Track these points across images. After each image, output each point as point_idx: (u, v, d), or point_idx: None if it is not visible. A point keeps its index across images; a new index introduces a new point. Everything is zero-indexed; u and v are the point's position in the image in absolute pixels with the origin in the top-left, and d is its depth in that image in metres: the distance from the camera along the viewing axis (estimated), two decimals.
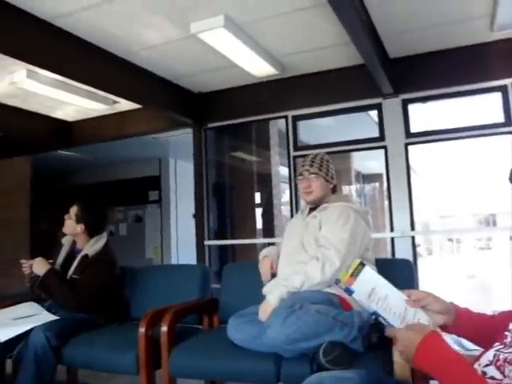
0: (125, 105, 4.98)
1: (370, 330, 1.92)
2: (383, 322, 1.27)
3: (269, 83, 4.55)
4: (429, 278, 7.25)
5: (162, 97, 4.45)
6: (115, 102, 4.89)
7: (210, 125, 4.98)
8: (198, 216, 4.81)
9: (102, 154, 7.54)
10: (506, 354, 0.98)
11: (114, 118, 5.38)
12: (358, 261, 1.35)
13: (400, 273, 2.37)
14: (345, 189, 9.23)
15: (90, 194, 7.20)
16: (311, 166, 2.38)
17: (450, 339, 1.14)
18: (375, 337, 1.93)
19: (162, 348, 2.27)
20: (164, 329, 2.27)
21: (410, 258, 3.75)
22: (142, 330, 2.28)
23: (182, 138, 5.91)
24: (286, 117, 4.57)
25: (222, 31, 3.26)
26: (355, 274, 1.32)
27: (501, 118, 3.91)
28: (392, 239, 4.11)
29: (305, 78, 4.45)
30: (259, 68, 4.12)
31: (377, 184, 11.85)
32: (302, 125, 4.68)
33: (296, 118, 4.54)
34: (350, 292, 1.32)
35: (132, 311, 2.91)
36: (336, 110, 4.45)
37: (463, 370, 0.98)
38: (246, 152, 6.43)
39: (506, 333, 1.05)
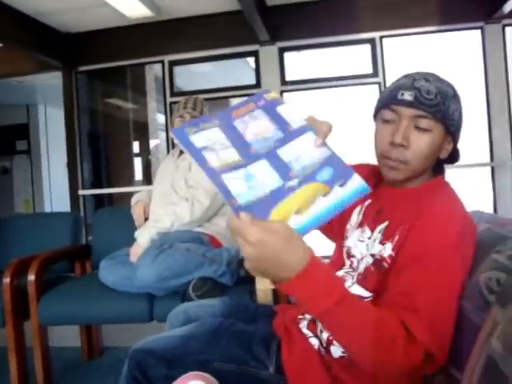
0: None
1: (238, 265, 2.03)
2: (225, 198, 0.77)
3: (144, 26, 4.35)
4: None
5: (22, 35, 4.03)
6: None
7: (82, 68, 4.67)
8: (71, 165, 4.57)
9: None
10: (350, 275, 1.09)
11: None
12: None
13: None
14: None
15: None
16: (194, 109, 2.35)
17: None
18: (243, 271, 2.04)
19: (30, 297, 2.18)
20: (31, 277, 2.18)
21: None
22: (6, 280, 2.16)
23: (52, 83, 5.47)
24: (162, 61, 4.44)
25: None
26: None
27: (369, 69, 4.18)
28: None
29: (182, 21, 4.32)
30: (133, 8, 3.91)
31: None
32: (180, 70, 4.59)
33: (173, 63, 4.43)
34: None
35: None
36: (213, 56, 4.42)
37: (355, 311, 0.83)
38: (122, 98, 6.16)
39: (352, 259, 1.13)
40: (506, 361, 0.67)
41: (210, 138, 0.83)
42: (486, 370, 0.73)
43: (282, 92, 4.23)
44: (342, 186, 0.80)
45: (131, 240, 2.24)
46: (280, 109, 0.90)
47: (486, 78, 3.87)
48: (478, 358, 0.77)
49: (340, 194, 0.79)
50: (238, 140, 0.84)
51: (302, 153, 0.83)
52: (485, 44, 3.87)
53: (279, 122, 0.87)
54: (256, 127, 0.87)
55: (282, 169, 0.80)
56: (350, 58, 4.61)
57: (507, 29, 3.86)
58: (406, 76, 1.05)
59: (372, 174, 1.18)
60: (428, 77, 1.01)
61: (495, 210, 3.77)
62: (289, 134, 0.85)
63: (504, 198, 3.77)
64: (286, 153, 0.83)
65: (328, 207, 0.78)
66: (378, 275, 0.99)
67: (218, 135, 0.84)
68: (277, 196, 0.77)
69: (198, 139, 0.83)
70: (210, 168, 0.79)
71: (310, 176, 0.80)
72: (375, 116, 1.11)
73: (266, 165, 0.81)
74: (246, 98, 0.92)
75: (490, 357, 0.72)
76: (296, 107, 0.90)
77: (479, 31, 3.91)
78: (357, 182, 0.80)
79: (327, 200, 0.78)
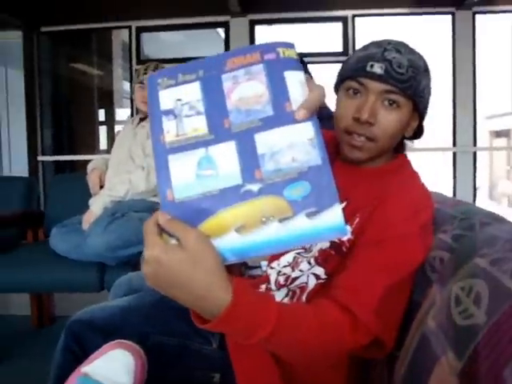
0: None
1: None
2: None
3: None
4: None
5: None
6: None
7: (45, 29, 4.48)
8: (30, 130, 4.41)
9: None
10: (304, 257, 0.99)
11: None
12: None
13: None
14: None
15: None
16: None
17: None
18: None
19: None
20: None
21: None
22: None
23: (14, 43, 5.22)
24: (129, 27, 4.29)
25: None
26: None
27: (339, 48, 4.15)
28: None
29: None
30: None
31: None
32: (150, 38, 4.46)
33: (140, 30, 4.29)
34: None
35: None
36: (182, 25, 4.32)
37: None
38: (88, 64, 5.94)
39: None
40: (437, 339, 0.67)
41: (182, 96, 0.64)
42: (419, 347, 0.74)
43: None
44: (310, 216, 0.58)
45: (85, 208, 2.18)
46: (289, 75, 0.63)
47: (454, 64, 3.91)
48: (414, 335, 0.77)
49: (302, 227, 0.58)
50: (215, 104, 0.63)
51: (285, 148, 0.60)
52: (455, 30, 3.89)
53: (278, 92, 0.62)
54: (245, 90, 0.63)
55: (250, 163, 0.60)
56: (321, 35, 4.56)
57: (477, 16, 3.88)
58: (376, 44, 0.93)
59: (332, 145, 1.02)
60: (400, 47, 0.91)
61: (454, 195, 3.85)
62: (282, 115, 0.61)
63: (464, 183, 3.85)
64: (265, 141, 0.61)
65: (277, 239, 0.58)
66: (338, 259, 0.92)
67: (193, 93, 0.64)
68: (226, 199, 0.59)
69: (167, 97, 0.65)
70: (160, 143, 0.63)
71: (277, 185, 0.59)
72: (338, 85, 0.99)
73: (233, 150, 0.61)
74: (254, 44, 0.68)
75: (424, 334, 0.73)
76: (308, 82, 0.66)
77: (450, 17, 3.92)
78: (333, 218, 0.58)
79: (281, 229, 0.58)
